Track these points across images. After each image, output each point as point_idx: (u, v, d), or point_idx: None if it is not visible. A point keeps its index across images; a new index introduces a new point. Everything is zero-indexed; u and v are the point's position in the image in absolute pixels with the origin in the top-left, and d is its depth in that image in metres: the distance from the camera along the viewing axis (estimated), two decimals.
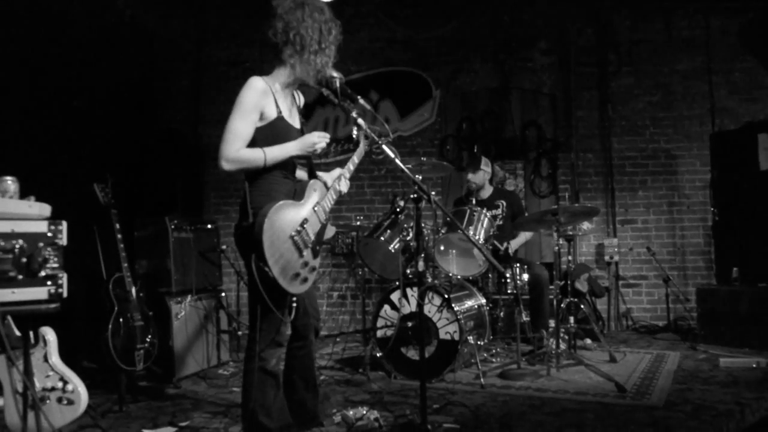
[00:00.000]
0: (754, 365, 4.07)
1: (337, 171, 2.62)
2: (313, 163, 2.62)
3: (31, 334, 2.50)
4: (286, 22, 2.37)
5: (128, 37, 5.47)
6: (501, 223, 4.96)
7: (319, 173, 2.61)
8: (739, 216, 4.98)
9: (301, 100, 2.67)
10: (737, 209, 5.00)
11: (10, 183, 2.28)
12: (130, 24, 5.39)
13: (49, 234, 2.14)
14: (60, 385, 2.54)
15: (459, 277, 4.31)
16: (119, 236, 3.64)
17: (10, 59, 4.14)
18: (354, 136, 2.59)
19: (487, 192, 5.13)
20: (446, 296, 3.91)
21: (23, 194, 2.29)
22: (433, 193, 2.60)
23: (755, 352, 4.42)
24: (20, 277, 2.06)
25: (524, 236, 5.04)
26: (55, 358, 2.58)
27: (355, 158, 2.65)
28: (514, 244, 4.87)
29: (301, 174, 2.57)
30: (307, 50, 2.37)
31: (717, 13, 6.11)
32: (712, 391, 3.54)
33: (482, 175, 5.05)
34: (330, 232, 2.59)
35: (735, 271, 4.86)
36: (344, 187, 2.59)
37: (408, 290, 4.03)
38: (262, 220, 2.19)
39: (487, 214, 4.40)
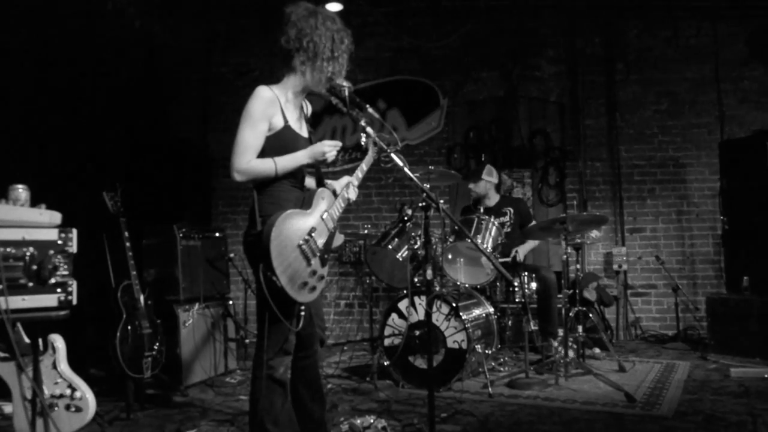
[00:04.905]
0: (766, 375, 4.03)
1: (346, 179, 2.61)
2: (321, 171, 2.62)
3: (40, 341, 2.51)
4: (299, 28, 2.38)
5: (137, 46, 5.52)
6: (509, 230, 4.97)
7: (328, 181, 2.60)
8: (749, 224, 4.93)
9: (308, 109, 2.67)
10: (747, 217, 4.96)
11: (22, 191, 2.29)
12: (139, 33, 5.44)
13: (60, 242, 2.15)
14: (68, 392, 2.54)
15: (467, 285, 4.30)
16: (128, 244, 3.66)
17: (22, 69, 4.18)
18: (362, 143, 2.59)
19: (493, 200, 5.15)
20: (454, 305, 3.90)
21: (34, 202, 2.30)
22: (441, 201, 2.60)
23: (767, 362, 4.38)
24: (30, 284, 2.07)
25: (531, 242, 5.03)
26: (63, 366, 2.59)
27: (364, 166, 2.64)
28: (522, 251, 4.87)
29: (309, 182, 2.57)
30: (319, 57, 2.37)
31: (725, 21, 6.09)
32: (723, 402, 3.50)
33: (484, 185, 5.08)
34: (338, 240, 2.58)
35: (745, 280, 4.81)
36: (353, 195, 2.58)
37: (416, 299, 4.03)
38: (269, 230, 2.19)
39: (495, 222, 4.40)
